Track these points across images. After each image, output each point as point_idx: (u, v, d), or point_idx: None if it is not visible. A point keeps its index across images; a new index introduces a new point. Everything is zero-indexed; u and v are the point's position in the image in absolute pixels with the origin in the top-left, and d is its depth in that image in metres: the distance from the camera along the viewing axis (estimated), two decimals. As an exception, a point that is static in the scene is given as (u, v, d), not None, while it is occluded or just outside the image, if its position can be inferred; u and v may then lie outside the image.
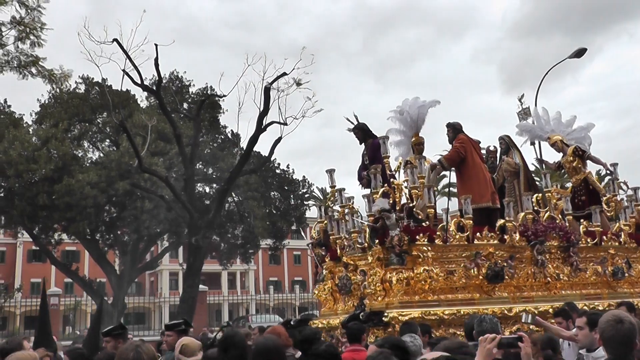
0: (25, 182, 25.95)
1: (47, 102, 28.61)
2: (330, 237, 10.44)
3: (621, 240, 10.77)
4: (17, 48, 19.32)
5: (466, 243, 9.51)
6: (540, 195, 10.93)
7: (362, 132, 10.45)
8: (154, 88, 25.42)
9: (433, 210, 9.55)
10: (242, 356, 5.00)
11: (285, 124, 26.18)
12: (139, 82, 23.96)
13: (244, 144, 27.51)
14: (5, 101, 27.12)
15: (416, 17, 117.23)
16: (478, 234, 9.62)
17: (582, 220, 10.83)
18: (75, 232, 28.09)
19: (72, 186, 26.17)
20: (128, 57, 22.87)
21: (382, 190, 9.41)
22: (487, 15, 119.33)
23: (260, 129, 25.29)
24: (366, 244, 9.51)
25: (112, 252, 33.73)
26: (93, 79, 28.01)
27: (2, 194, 26.53)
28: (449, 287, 9.36)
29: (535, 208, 10.51)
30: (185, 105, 30.57)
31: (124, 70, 23.40)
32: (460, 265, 9.42)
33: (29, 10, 18.86)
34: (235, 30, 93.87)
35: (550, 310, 9.48)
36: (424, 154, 10.20)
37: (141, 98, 29.81)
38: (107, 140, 29.77)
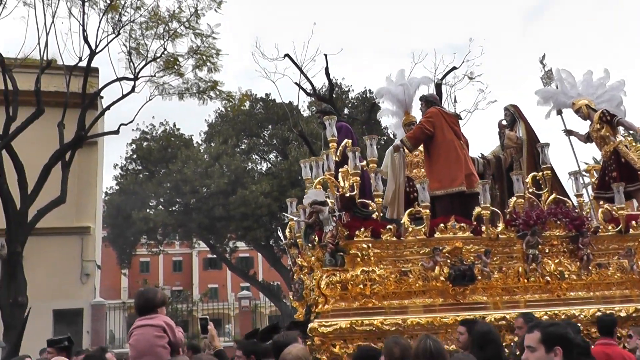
0: (201, 197, 26.80)
1: (214, 121, 29.46)
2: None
3: (661, 225, 7.67)
4: (196, 75, 19.46)
5: (424, 237, 7.29)
6: (541, 173, 8.13)
7: (324, 115, 8.68)
8: (317, 96, 24.93)
9: (381, 200, 7.48)
10: (498, 355, 4.76)
11: (460, 118, 24.29)
12: (309, 92, 23.67)
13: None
14: (174, 125, 28.38)
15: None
16: (442, 225, 7.33)
17: (601, 202, 7.90)
18: (251, 240, 28.47)
19: (247, 197, 26.55)
20: (300, 70, 22.55)
21: (318, 179, 7.63)
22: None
23: (433, 126, 23.45)
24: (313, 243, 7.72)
25: (286, 257, 33.89)
26: (256, 95, 28.30)
27: (177, 209, 27.65)
28: (405, 292, 7.26)
29: (531, 189, 7.85)
30: (346, 111, 29.82)
31: (297, 83, 23.18)
32: (418, 264, 7.24)
33: (204, 38, 19.00)
34: (393, 33, 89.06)
35: (545, 317, 6.99)
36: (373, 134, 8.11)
37: (303, 108, 29.60)
38: (274, 151, 29.88)
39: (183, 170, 25.92)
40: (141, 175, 27.04)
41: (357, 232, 7.19)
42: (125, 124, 17.97)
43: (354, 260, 7.16)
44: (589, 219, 7.59)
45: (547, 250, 7.42)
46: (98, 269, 22.58)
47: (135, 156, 27.16)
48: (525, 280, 7.34)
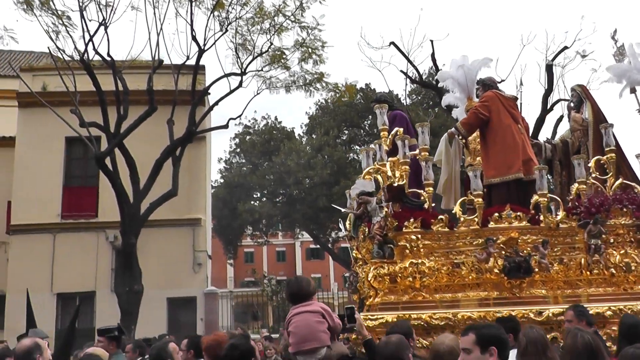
0: (304, 188, 26.88)
1: (314, 113, 29.40)
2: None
3: None
4: (302, 68, 19.38)
5: (478, 227, 6.87)
6: (606, 157, 7.35)
7: (377, 104, 8.35)
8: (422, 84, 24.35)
9: (432, 189, 7.13)
10: None
11: (572, 101, 22.91)
12: (415, 80, 23.26)
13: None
14: (276, 118, 28.63)
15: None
16: (496, 214, 6.88)
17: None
18: (356, 230, 28.32)
19: (349, 187, 26.37)
20: (406, 57, 22.23)
21: (367, 169, 7.42)
22: None
23: (545, 109, 22.23)
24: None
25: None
26: (356, 85, 27.96)
27: (281, 201, 27.86)
28: (458, 285, 6.87)
29: (594, 175, 7.15)
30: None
31: (402, 71, 22.86)
32: (471, 256, 6.84)
33: (309, 31, 19.03)
34: (500, 16, 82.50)
35: (609, 312, 6.40)
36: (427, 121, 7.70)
37: (403, 96, 28.95)
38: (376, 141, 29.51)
39: (286, 162, 26.16)
40: (245, 168, 27.59)
41: (406, 223, 6.90)
42: (234, 118, 18.21)
43: (403, 252, 6.88)
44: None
45: (611, 240, 6.77)
46: (209, 259, 23.25)
47: (238, 150, 27.74)
48: (588, 273, 6.73)
